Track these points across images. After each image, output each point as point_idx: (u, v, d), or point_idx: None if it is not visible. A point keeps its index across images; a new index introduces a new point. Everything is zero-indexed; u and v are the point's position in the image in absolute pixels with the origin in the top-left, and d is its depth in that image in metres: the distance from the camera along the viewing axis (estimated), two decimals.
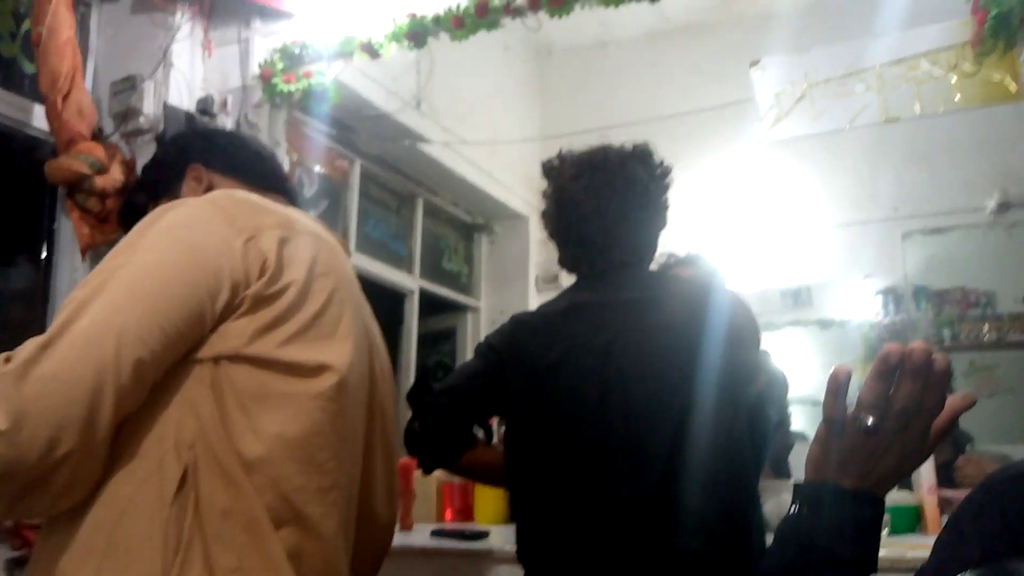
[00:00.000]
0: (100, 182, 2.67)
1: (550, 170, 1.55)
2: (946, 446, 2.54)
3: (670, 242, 1.64)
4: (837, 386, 0.70)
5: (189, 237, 0.89)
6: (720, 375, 1.37)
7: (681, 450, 1.32)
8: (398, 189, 4.07)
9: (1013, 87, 2.00)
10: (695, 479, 1.31)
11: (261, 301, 0.88)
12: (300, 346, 0.89)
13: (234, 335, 0.87)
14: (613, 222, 1.46)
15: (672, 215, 1.55)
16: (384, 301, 3.97)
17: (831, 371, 0.70)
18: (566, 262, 1.56)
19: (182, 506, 0.82)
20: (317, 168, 3.47)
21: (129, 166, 2.82)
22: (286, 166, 3.07)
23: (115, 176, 2.73)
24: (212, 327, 0.87)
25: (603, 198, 1.46)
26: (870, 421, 0.68)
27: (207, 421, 0.84)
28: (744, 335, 1.47)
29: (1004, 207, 3.77)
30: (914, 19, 2.44)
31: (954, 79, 2.08)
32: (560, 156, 1.55)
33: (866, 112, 2.20)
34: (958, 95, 2.08)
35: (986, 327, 4.00)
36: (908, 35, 2.25)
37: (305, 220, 1.02)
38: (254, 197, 1.00)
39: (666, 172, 1.54)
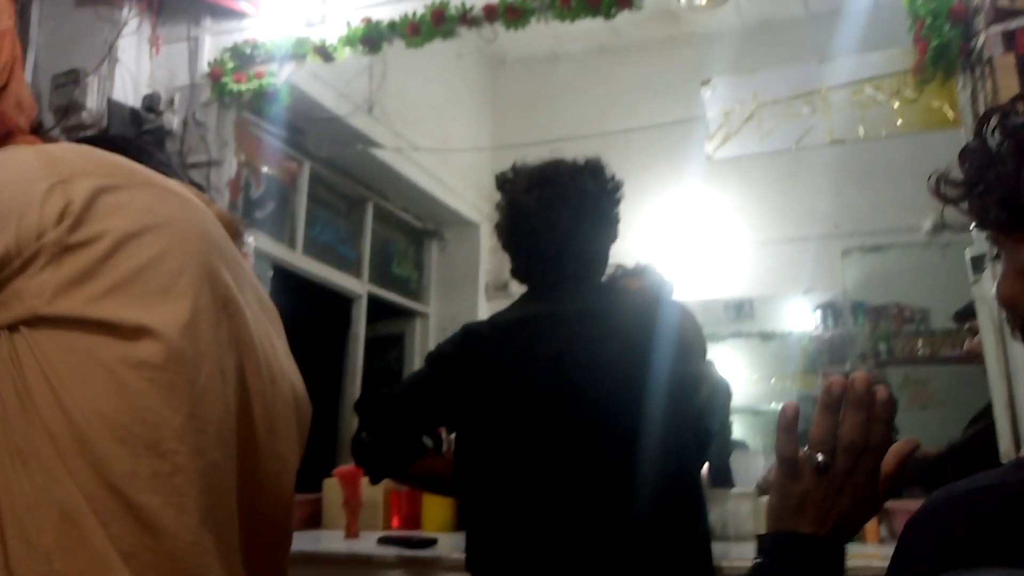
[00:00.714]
0: None
1: (503, 182, 1.57)
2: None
3: (619, 254, 1.67)
4: (787, 422, 0.71)
5: None
6: (669, 386, 1.39)
7: (632, 461, 1.33)
8: (348, 193, 4.03)
9: (951, 115, 2.08)
10: (646, 489, 1.33)
11: (65, 251, 0.75)
12: (117, 303, 0.76)
13: (33, 293, 0.74)
14: (564, 234, 1.48)
15: (621, 228, 1.58)
16: (331, 305, 3.92)
17: (780, 408, 0.72)
18: (518, 273, 1.57)
19: None
20: (265, 169, 3.41)
21: None
22: (233, 166, 3.02)
23: None
24: None
25: (555, 211, 1.48)
26: (820, 458, 0.69)
27: (7, 401, 0.73)
28: (691, 346, 1.50)
29: (939, 228, 3.91)
30: (860, 45, 2.53)
31: (896, 104, 2.16)
32: (514, 169, 1.57)
33: (812, 133, 2.26)
34: (899, 120, 2.15)
35: (920, 342, 4.15)
36: (853, 60, 2.32)
37: (159, 177, 0.89)
38: (101, 152, 0.87)
39: (617, 186, 1.57)
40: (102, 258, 0.76)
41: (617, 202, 1.57)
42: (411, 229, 4.57)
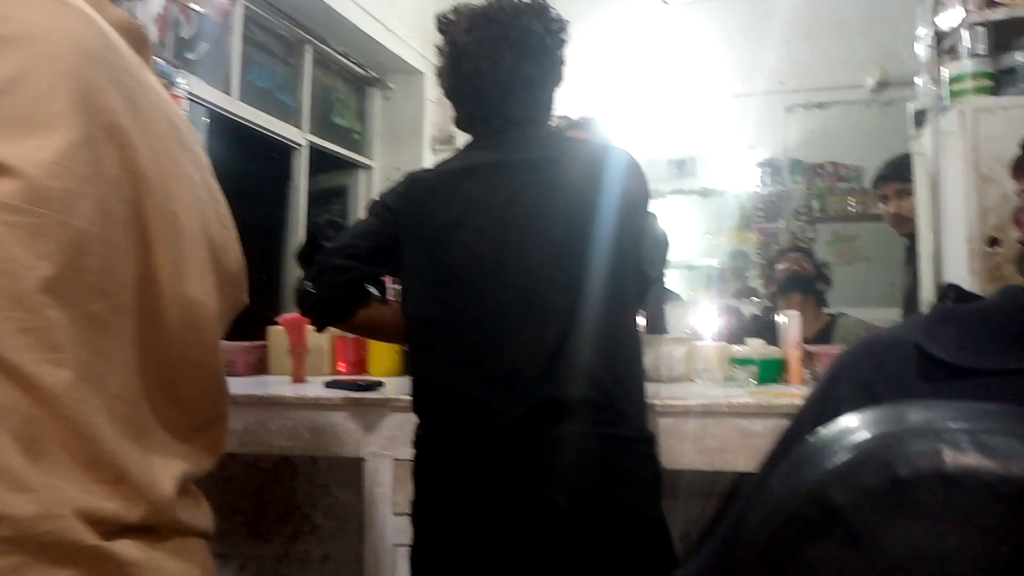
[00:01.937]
0: None
1: (445, 24, 1.51)
2: (821, 313, 2.75)
3: (560, 104, 1.64)
4: None
5: None
6: (614, 236, 1.42)
7: (576, 310, 1.37)
8: (285, 35, 3.83)
9: None
10: (588, 337, 1.37)
11: None
12: None
13: None
14: (508, 76, 1.44)
15: (565, 75, 1.55)
16: (272, 155, 3.82)
17: None
18: (462, 121, 1.54)
19: None
20: (195, 6, 3.20)
21: None
22: (161, 2, 2.82)
23: None
24: None
25: (497, 51, 1.44)
26: None
27: None
28: (638, 197, 1.51)
29: (883, 85, 3.95)
30: None
31: None
32: (455, 9, 1.51)
33: None
34: None
35: (852, 200, 4.27)
36: None
37: None
38: None
39: (562, 26, 1.52)
40: None
41: (562, 43, 1.52)
42: (353, 76, 4.40)
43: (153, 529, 0.72)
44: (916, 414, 0.53)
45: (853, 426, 0.54)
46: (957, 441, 0.48)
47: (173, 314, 0.80)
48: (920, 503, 0.48)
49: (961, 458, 0.47)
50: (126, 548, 0.68)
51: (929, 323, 0.65)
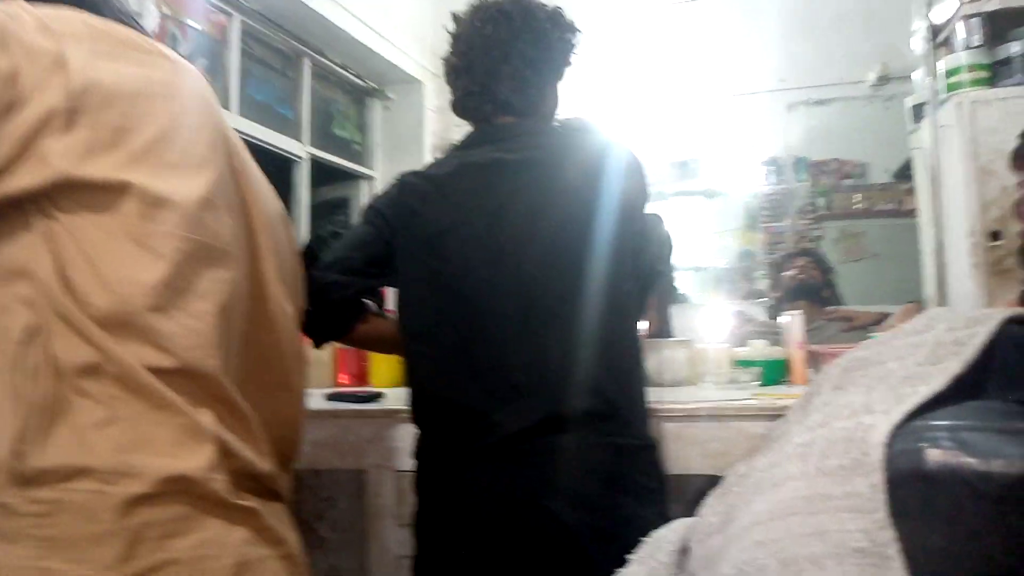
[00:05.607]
0: None
1: (454, 19, 1.52)
2: (819, 310, 2.73)
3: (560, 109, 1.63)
4: None
5: None
6: (612, 241, 1.39)
7: (574, 318, 1.34)
8: (283, 48, 3.84)
9: None
10: (587, 345, 1.33)
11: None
12: None
13: None
14: (501, 51, 1.44)
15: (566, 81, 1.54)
16: (273, 169, 3.82)
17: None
18: (455, 104, 1.52)
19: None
20: (192, 23, 3.21)
21: None
22: (156, 18, 2.83)
23: None
24: None
25: (494, 27, 1.44)
26: None
27: None
28: (637, 199, 1.49)
29: (884, 80, 3.93)
30: None
31: None
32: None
33: None
34: None
35: (857, 196, 4.24)
36: None
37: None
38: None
39: (573, 29, 1.53)
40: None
41: (568, 42, 1.52)
42: (352, 88, 4.41)
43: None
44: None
45: None
46: (937, 439, 0.47)
47: (276, 316, 0.95)
48: (904, 503, 0.47)
49: (941, 456, 0.46)
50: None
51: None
